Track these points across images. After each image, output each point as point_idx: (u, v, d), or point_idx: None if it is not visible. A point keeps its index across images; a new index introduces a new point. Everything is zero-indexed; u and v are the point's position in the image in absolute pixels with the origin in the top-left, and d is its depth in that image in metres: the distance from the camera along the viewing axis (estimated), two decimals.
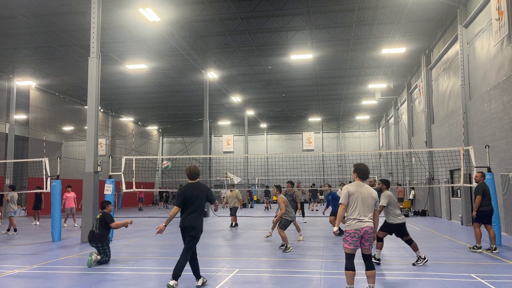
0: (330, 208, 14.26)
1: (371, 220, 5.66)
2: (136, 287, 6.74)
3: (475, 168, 11.96)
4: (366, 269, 5.72)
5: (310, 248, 10.68)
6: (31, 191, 17.47)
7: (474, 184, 12.14)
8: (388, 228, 8.38)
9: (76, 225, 17.05)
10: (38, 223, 17.92)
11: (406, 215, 21.27)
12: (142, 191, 26.37)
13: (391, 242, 11.61)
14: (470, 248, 10.20)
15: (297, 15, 19.03)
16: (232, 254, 9.88)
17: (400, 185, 26.07)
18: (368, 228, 5.59)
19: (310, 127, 43.45)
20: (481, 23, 14.98)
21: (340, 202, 5.77)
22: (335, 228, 5.78)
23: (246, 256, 9.56)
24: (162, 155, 44.76)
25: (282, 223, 10.46)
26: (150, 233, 14.25)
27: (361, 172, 5.88)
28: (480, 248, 9.96)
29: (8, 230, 14.53)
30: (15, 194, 15.28)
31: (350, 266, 5.61)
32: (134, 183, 14.26)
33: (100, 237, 8.66)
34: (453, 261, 8.69)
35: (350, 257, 5.63)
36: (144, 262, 8.98)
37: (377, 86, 28.19)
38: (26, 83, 25.82)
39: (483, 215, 9.92)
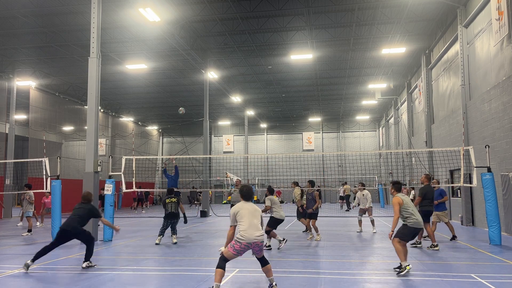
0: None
1: (262, 233, 6.10)
2: (136, 287, 6.74)
3: (475, 168, 11.97)
4: (262, 266, 6.19)
5: (310, 248, 10.68)
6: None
7: (475, 184, 12.21)
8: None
9: (38, 224, 17.41)
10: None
11: None
12: (139, 190, 26.44)
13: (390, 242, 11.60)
14: (428, 247, 10.45)
15: (297, 15, 19.02)
16: None
17: (405, 185, 26.02)
18: (259, 242, 6.03)
19: (310, 127, 43.45)
20: (481, 23, 14.98)
21: (230, 224, 6.19)
22: (222, 248, 6.14)
23: (246, 256, 9.53)
24: (162, 155, 44.76)
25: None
26: (150, 233, 14.26)
27: (244, 194, 6.33)
28: (437, 245, 10.29)
29: (29, 230, 14.39)
30: (32, 194, 15.29)
31: (222, 265, 5.93)
32: (134, 183, 14.27)
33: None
34: (453, 261, 8.68)
35: (226, 260, 5.97)
36: (144, 262, 8.98)
37: (377, 86, 28.19)
38: (26, 83, 25.79)
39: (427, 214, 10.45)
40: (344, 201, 28.35)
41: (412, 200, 23.72)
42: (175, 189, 13.43)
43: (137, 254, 10.07)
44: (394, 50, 20.70)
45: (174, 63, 25.17)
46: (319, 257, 9.34)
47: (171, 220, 11.95)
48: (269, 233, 10.41)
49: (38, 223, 17.47)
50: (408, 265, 7.34)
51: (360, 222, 14.53)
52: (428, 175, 10.98)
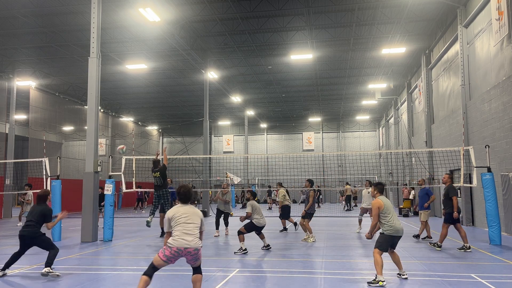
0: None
1: (196, 239, 5.49)
2: (136, 287, 6.73)
3: (475, 168, 11.97)
4: (193, 274, 5.65)
5: (310, 248, 10.68)
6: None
7: (475, 184, 12.20)
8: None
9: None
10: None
11: (406, 215, 21.26)
12: (139, 191, 26.45)
13: None
14: (431, 244, 10.51)
15: (297, 15, 19.02)
16: (232, 254, 9.87)
17: (406, 185, 26.09)
18: (192, 250, 5.41)
19: (310, 127, 43.45)
20: (481, 23, 14.98)
21: (165, 230, 5.67)
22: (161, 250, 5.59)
23: (246, 256, 9.55)
24: (162, 155, 44.75)
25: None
26: (150, 233, 14.26)
27: (181, 197, 5.69)
28: (440, 247, 10.25)
29: None
30: (30, 194, 15.26)
31: (149, 273, 5.46)
32: (134, 183, 14.27)
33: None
34: (453, 261, 8.69)
35: (155, 268, 5.49)
36: (144, 262, 8.97)
37: (377, 86, 28.19)
38: (26, 83, 25.79)
39: (452, 216, 10.07)
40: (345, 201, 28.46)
41: (412, 201, 23.90)
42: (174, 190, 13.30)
43: (137, 254, 10.08)
44: (394, 50, 20.70)
45: (174, 63, 25.17)
46: (319, 257, 9.34)
47: (157, 192, 12.42)
48: (242, 234, 9.94)
49: None
50: (383, 281, 6.59)
51: (360, 221, 14.53)
52: (450, 175, 10.53)
